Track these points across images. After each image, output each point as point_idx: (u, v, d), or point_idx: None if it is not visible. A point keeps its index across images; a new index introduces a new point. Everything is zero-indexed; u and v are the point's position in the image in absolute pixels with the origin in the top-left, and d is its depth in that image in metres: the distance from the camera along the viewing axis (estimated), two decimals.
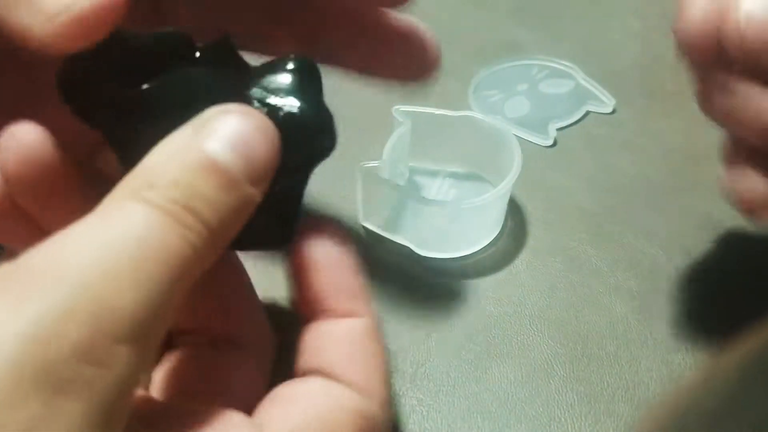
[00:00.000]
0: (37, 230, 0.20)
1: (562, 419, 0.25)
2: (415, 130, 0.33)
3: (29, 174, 0.19)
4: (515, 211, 0.33)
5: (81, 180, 0.20)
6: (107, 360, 0.14)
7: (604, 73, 0.41)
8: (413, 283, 0.30)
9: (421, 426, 0.25)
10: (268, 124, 0.19)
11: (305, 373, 0.20)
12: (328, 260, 0.21)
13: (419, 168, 0.35)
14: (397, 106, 0.33)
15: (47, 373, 0.14)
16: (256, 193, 0.18)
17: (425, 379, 0.27)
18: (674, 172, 0.35)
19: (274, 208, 0.20)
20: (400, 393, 0.26)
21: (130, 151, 0.19)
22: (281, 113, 0.20)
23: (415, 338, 0.28)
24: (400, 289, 0.30)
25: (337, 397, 0.19)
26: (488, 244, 0.32)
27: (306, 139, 0.21)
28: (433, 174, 0.35)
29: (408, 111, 0.33)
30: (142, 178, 0.17)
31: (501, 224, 0.32)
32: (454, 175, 0.35)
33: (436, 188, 0.34)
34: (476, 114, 0.33)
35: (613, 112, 0.39)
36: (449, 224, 0.31)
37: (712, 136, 0.38)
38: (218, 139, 0.18)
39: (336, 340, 0.21)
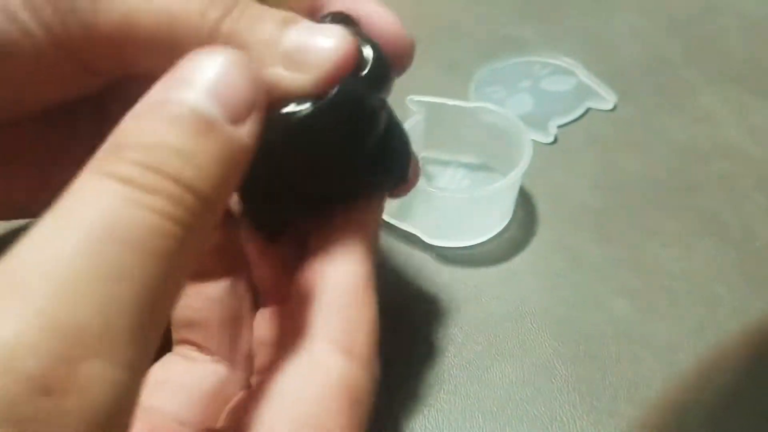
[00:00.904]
0: None
1: (564, 419, 0.25)
2: (429, 120, 0.33)
3: None
4: (525, 203, 0.33)
5: None
6: (72, 387, 0.12)
7: (606, 70, 0.40)
8: (421, 271, 0.30)
9: (422, 425, 0.25)
10: (241, 57, 0.16)
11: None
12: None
13: (432, 158, 0.35)
14: (411, 96, 0.32)
15: (9, 412, 0.12)
16: (242, 134, 0.15)
17: (426, 378, 0.27)
18: (675, 170, 0.35)
19: None
20: (401, 393, 0.26)
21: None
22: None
23: (418, 335, 0.28)
24: (408, 278, 0.30)
25: (322, 373, 0.17)
26: (496, 235, 0.32)
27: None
28: (445, 164, 0.35)
29: (422, 101, 0.32)
30: (109, 142, 0.14)
31: (510, 216, 0.32)
32: (466, 166, 0.35)
33: (447, 178, 0.34)
34: (490, 105, 0.33)
35: (614, 109, 0.38)
36: (457, 213, 0.31)
37: (713, 134, 0.38)
38: (187, 85, 0.15)
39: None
